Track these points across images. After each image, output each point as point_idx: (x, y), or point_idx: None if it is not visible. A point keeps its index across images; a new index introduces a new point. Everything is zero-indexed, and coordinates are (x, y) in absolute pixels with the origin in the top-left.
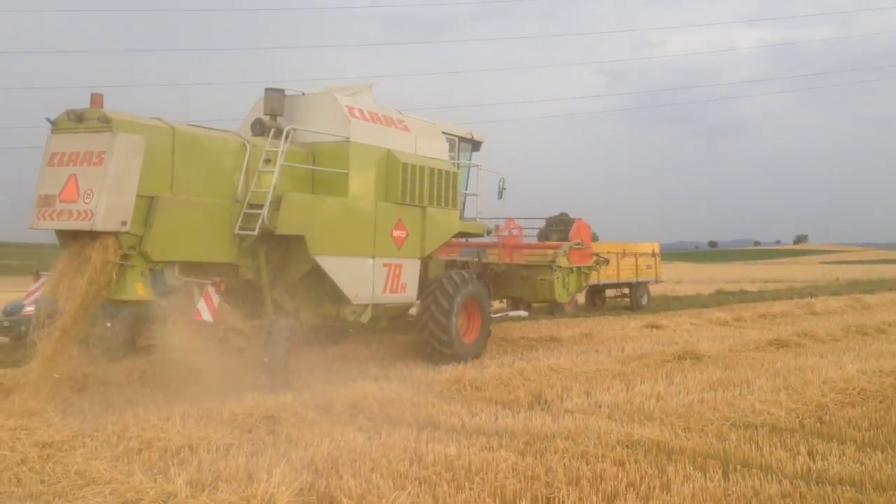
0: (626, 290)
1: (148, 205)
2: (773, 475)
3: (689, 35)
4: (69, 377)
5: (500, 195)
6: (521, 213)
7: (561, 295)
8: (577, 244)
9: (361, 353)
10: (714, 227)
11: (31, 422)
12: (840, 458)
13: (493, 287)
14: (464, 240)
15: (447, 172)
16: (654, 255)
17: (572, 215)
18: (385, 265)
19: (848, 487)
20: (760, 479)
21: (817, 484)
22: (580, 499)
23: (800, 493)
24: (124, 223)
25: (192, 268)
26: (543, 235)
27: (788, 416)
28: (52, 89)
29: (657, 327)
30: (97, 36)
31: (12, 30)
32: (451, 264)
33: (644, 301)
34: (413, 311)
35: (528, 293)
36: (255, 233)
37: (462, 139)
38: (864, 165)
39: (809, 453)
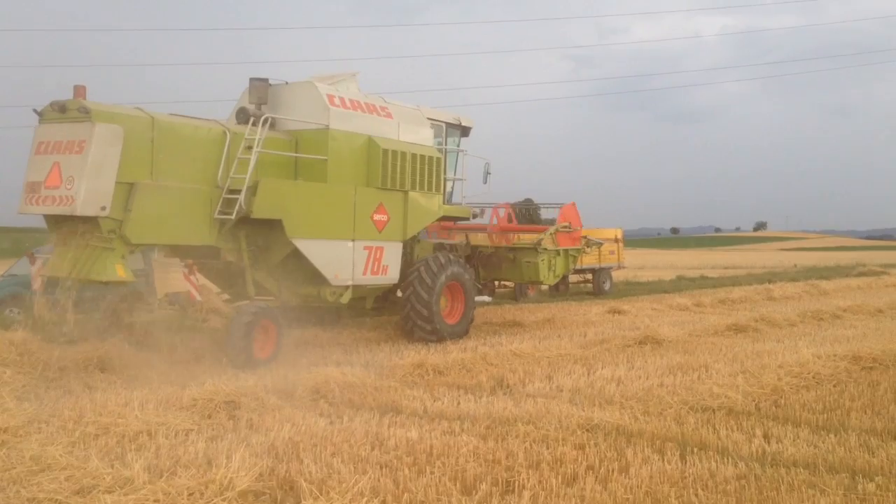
0: (590, 276)
1: (128, 190)
2: (730, 457)
3: (655, 21)
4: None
5: (485, 179)
6: (487, 199)
7: (547, 277)
8: (565, 227)
9: (324, 338)
10: (676, 214)
11: None
12: (794, 440)
13: (483, 269)
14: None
15: (430, 157)
16: (617, 241)
17: (537, 200)
18: (366, 248)
19: (802, 469)
20: (717, 462)
21: (772, 466)
22: (540, 482)
23: (755, 474)
24: (104, 208)
25: (176, 251)
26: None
27: (745, 400)
28: (41, 68)
29: (619, 312)
30: (81, 15)
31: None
32: (439, 247)
33: (607, 287)
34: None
35: (515, 275)
36: (233, 217)
37: (449, 125)
38: (825, 154)
39: (765, 436)
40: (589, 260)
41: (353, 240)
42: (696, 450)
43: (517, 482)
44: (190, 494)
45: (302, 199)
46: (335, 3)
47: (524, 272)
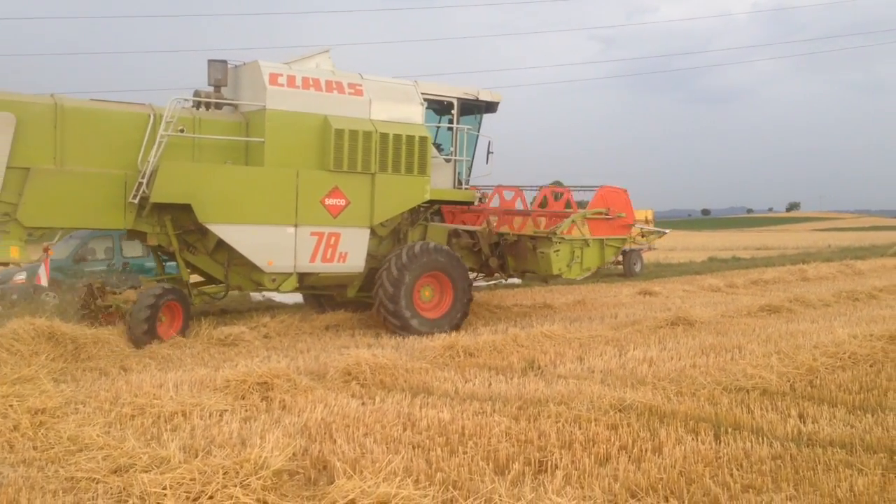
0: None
1: (23, 175)
2: (764, 437)
3: (683, 0)
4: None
5: (487, 159)
6: (515, 182)
7: (564, 271)
8: (600, 213)
9: (354, 321)
10: (707, 195)
11: (24, 388)
12: (830, 420)
13: (512, 259)
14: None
15: (411, 137)
16: (647, 222)
17: (566, 184)
18: (314, 234)
19: (838, 449)
20: (751, 442)
21: (808, 446)
22: (573, 462)
23: (790, 454)
24: None
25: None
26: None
27: (779, 380)
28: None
29: (650, 294)
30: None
31: None
32: (454, 233)
33: (637, 268)
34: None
35: (534, 266)
36: (135, 201)
37: (463, 101)
38: (858, 133)
39: (800, 416)
40: None
41: (295, 225)
42: (730, 430)
43: (550, 462)
44: (225, 473)
45: (216, 182)
46: None
47: (540, 263)
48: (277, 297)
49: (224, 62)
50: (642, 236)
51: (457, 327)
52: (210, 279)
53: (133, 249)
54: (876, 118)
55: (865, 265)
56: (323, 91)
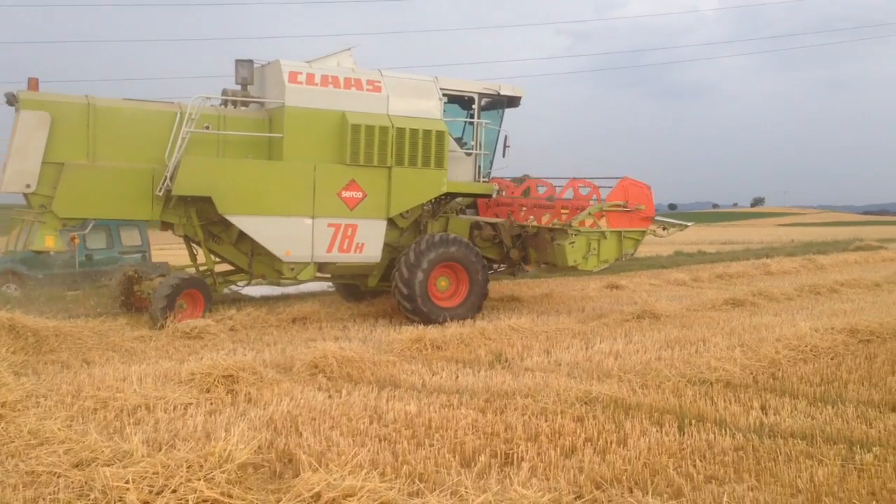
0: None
1: (58, 170)
2: (727, 429)
3: None
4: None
5: (503, 153)
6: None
7: (580, 262)
8: (618, 205)
9: (321, 314)
10: (674, 190)
11: None
12: (792, 412)
13: (532, 251)
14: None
15: (428, 132)
16: None
17: (533, 176)
18: (331, 225)
19: (799, 441)
20: (715, 433)
21: (770, 437)
22: (539, 454)
23: (752, 446)
24: (28, 186)
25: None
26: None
27: (742, 373)
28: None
29: (617, 287)
30: None
31: None
32: (475, 225)
33: None
34: None
35: (553, 258)
36: (160, 194)
37: (484, 95)
38: (822, 129)
39: (762, 408)
40: None
41: (312, 216)
42: (694, 422)
43: (516, 454)
44: (189, 467)
45: (234, 176)
46: None
47: (556, 255)
48: (245, 289)
49: (250, 61)
50: (664, 229)
51: (470, 317)
52: (236, 268)
53: (96, 242)
54: (839, 115)
55: (827, 260)
56: (341, 88)
